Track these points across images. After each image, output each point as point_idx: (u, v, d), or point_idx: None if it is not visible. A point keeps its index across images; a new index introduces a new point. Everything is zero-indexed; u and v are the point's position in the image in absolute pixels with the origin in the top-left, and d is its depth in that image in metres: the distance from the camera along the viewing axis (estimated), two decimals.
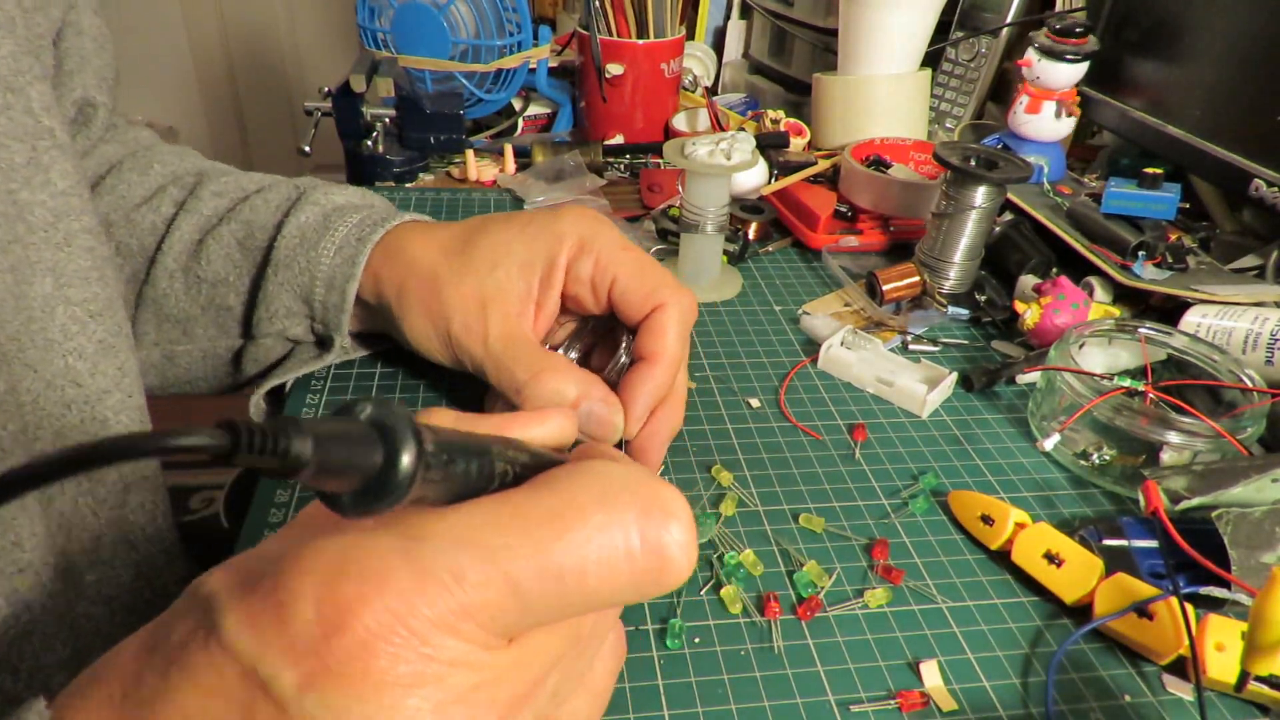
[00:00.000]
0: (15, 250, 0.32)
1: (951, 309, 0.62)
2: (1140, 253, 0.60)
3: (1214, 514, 0.40)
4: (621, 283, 0.40)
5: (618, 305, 0.41)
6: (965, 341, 0.61)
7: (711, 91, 1.09)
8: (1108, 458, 0.46)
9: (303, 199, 0.45)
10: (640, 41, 0.87)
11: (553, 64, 0.97)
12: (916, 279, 0.62)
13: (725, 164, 0.60)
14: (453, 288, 0.41)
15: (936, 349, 0.59)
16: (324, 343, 0.47)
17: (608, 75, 0.88)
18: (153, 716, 0.18)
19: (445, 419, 0.23)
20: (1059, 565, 0.39)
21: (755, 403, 0.53)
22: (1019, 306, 0.58)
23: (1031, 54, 0.72)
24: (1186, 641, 0.35)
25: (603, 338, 0.46)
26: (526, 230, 0.42)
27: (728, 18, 1.11)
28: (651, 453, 0.41)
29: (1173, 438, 0.44)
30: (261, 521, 0.41)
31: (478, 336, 0.40)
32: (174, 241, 0.44)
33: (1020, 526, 0.41)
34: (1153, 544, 0.41)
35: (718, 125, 0.91)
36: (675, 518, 0.20)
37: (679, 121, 0.93)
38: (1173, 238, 0.63)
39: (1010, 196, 0.66)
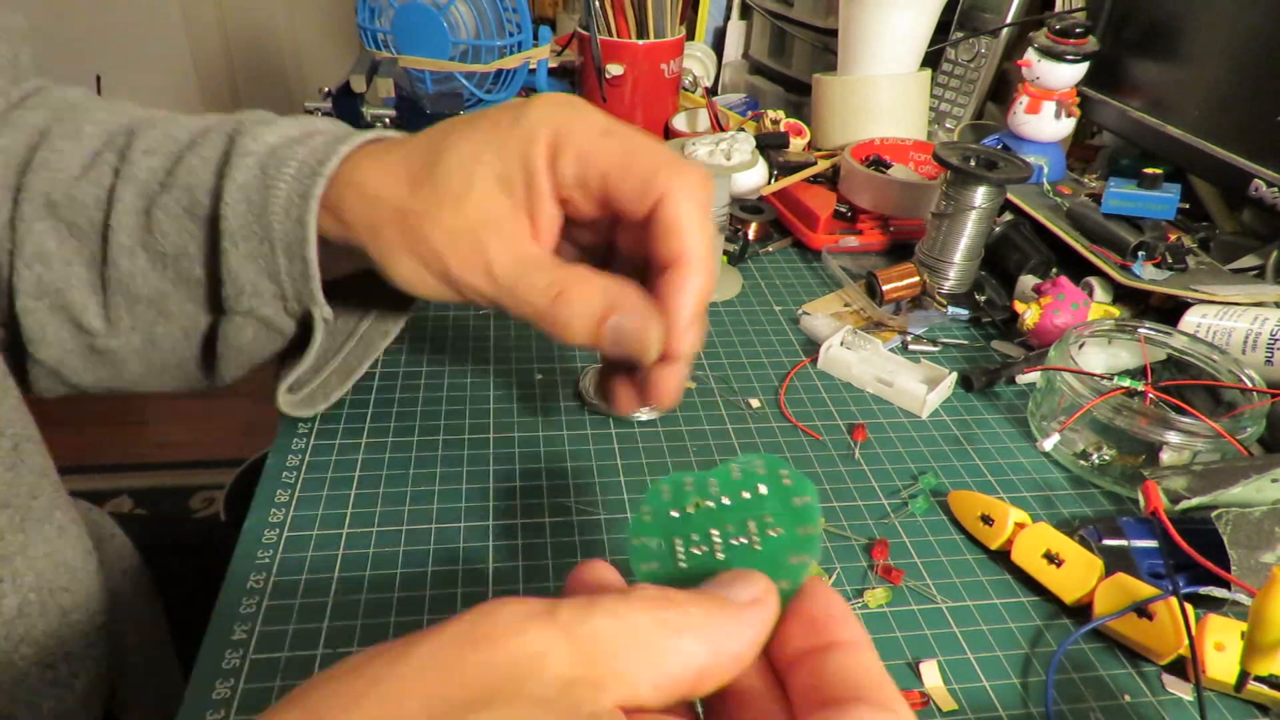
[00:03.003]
0: None
1: (951, 309, 0.62)
2: (1140, 253, 0.60)
3: (1213, 514, 0.40)
4: (612, 176, 0.34)
5: (614, 203, 0.35)
6: (965, 342, 0.61)
7: (711, 92, 1.09)
8: (1107, 458, 0.46)
9: (234, 151, 0.39)
10: (640, 42, 0.87)
11: (553, 64, 0.97)
12: (916, 279, 0.62)
13: (725, 164, 0.60)
14: (433, 223, 0.35)
15: (936, 349, 0.59)
16: (304, 323, 0.42)
17: (608, 76, 0.88)
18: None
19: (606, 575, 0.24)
20: (1059, 565, 0.39)
21: (755, 403, 0.53)
22: (1019, 306, 0.58)
23: (1031, 54, 0.72)
24: (1186, 641, 0.35)
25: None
26: (493, 134, 0.35)
27: (728, 18, 1.11)
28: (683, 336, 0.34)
29: (1172, 438, 0.44)
30: (262, 521, 0.41)
31: (480, 270, 0.35)
32: (120, 214, 0.39)
33: (1020, 526, 0.41)
34: (1152, 544, 0.41)
35: (717, 125, 0.91)
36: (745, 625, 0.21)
37: (679, 122, 0.93)
38: (1172, 238, 0.63)
39: (1010, 197, 0.66)
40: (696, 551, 0.26)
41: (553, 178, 0.35)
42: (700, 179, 0.34)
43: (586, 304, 0.33)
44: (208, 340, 0.43)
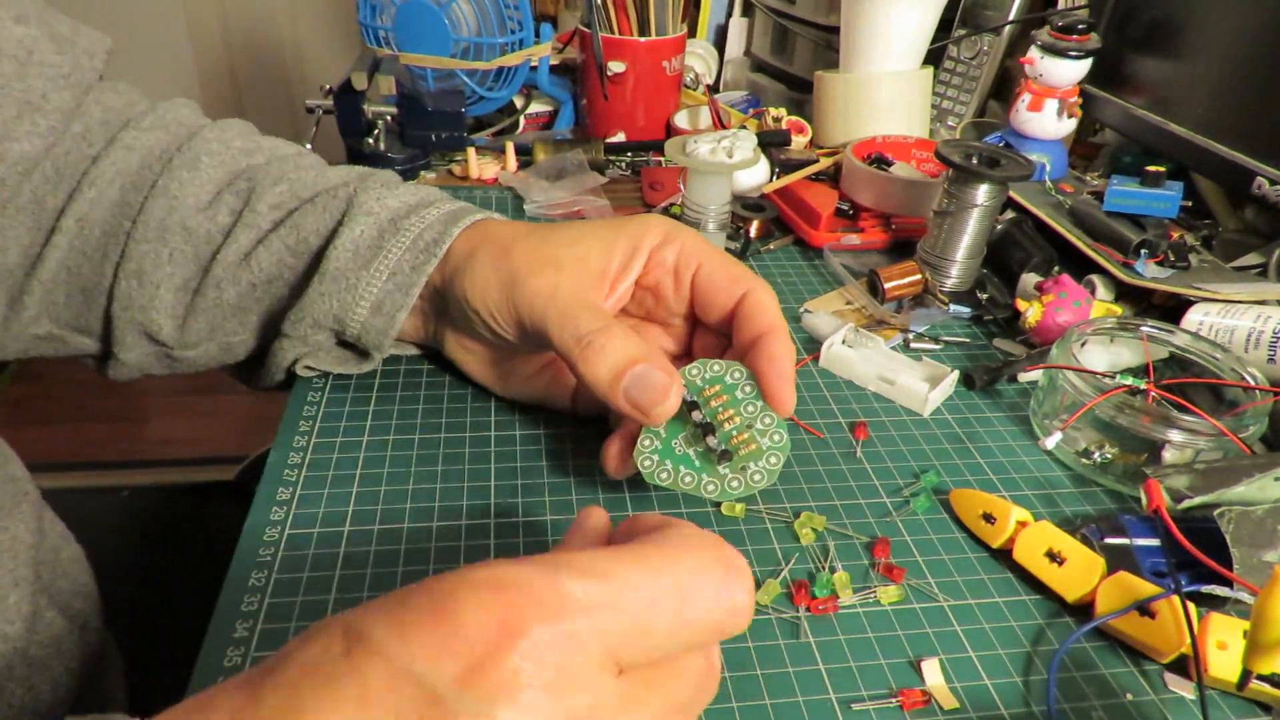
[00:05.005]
0: None
1: (953, 307, 0.62)
2: (1142, 251, 0.60)
3: (1216, 512, 0.40)
4: (706, 269, 0.42)
5: (702, 293, 0.43)
6: (967, 340, 0.61)
7: (713, 89, 1.08)
8: (1109, 456, 0.46)
9: (354, 207, 0.44)
10: (642, 39, 0.87)
11: (554, 61, 0.97)
12: (918, 277, 0.62)
13: (727, 162, 0.60)
14: (527, 249, 0.41)
15: (938, 347, 0.59)
16: (357, 350, 0.48)
17: (609, 73, 0.88)
18: None
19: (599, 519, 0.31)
20: (1061, 564, 0.39)
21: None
22: (1021, 304, 0.58)
23: (1034, 52, 0.72)
24: (1188, 640, 0.35)
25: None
26: (612, 221, 0.44)
27: (729, 15, 1.11)
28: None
29: (1175, 436, 0.44)
30: (264, 520, 0.41)
31: (545, 289, 0.40)
32: (229, 253, 0.44)
33: (1022, 525, 0.41)
34: (1154, 542, 0.41)
35: (719, 123, 0.91)
36: (747, 577, 0.25)
37: (680, 119, 0.93)
38: (1175, 236, 0.63)
39: (1012, 194, 0.66)
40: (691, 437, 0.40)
41: (649, 262, 0.43)
42: (774, 294, 0.42)
43: (616, 352, 0.38)
44: (269, 351, 0.48)
